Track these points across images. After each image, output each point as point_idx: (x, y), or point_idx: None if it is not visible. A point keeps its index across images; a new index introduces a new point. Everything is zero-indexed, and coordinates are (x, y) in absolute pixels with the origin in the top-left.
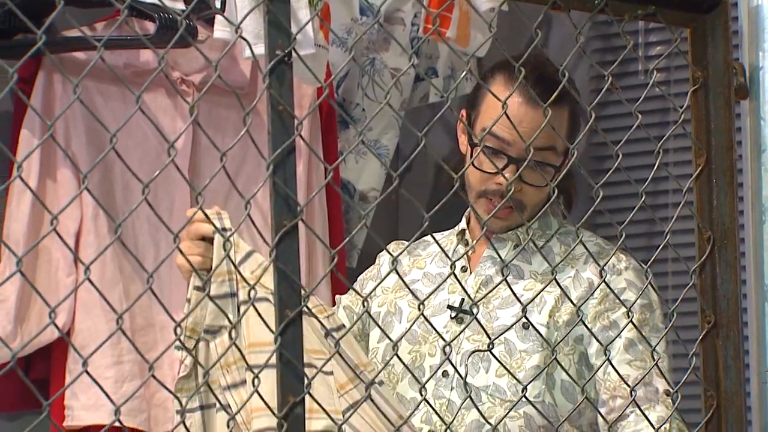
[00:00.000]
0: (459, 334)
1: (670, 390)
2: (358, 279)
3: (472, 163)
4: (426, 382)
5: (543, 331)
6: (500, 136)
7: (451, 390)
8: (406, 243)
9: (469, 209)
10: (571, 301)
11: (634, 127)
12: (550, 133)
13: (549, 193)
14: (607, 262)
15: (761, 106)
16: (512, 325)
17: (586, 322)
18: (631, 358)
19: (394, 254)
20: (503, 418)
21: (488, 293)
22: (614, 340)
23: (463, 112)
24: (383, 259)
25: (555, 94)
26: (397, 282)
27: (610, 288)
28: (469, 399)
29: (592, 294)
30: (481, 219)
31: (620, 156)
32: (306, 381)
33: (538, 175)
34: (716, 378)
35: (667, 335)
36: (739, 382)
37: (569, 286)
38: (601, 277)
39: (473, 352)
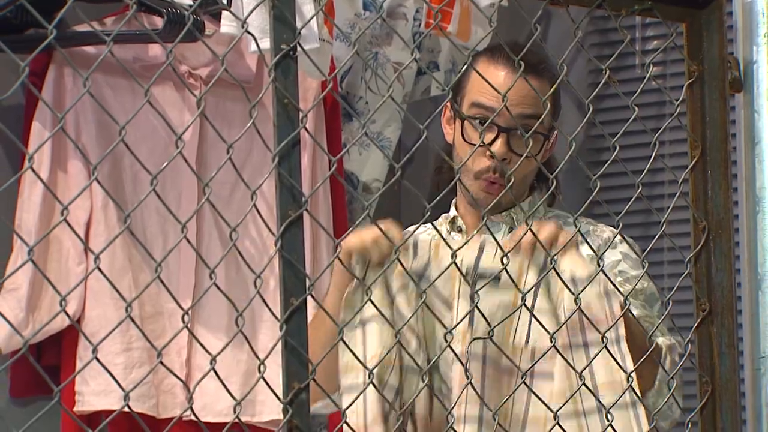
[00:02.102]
0: (462, 319)
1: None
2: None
3: (464, 139)
4: (429, 367)
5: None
6: (488, 106)
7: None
8: None
9: (455, 199)
10: (569, 290)
11: (631, 119)
12: (535, 101)
13: (536, 171)
14: (606, 246)
15: (755, 99)
16: (515, 311)
17: None
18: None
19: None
20: (511, 393)
21: (490, 280)
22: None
23: (447, 104)
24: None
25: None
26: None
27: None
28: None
29: (593, 278)
30: (475, 202)
31: (617, 148)
32: (310, 368)
33: (522, 143)
34: (711, 365)
35: (663, 320)
36: (734, 369)
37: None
38: (596, 253)
39: (474, 339)
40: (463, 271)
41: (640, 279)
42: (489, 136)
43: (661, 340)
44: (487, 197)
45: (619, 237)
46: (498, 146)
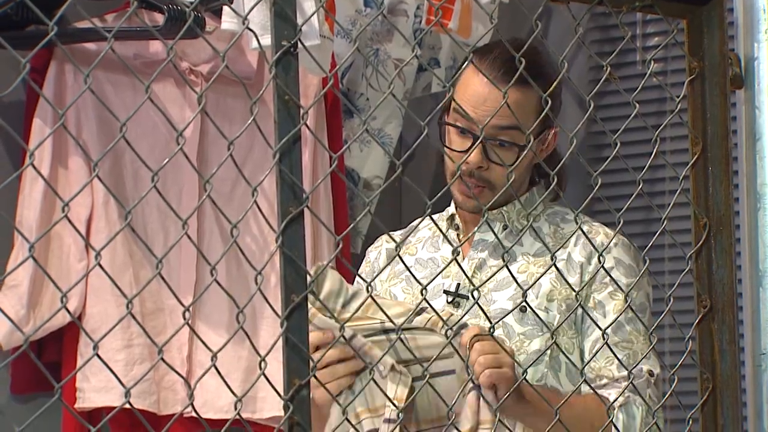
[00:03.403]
0: (460, 319)
1: (653, 371)
2: (356, 283)
3: (444, 143)
4: (429, 365)
5: (542, 315)
6: (464, 114)
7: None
8: (395, 235)
9: None
10: (571, 286)
11: (632, 116)
12: (515, 112)
13: (530, 173)
14: (601, 249)
15: (756, 95)
16: (512, 311)
17: (572, 300)
18: (618, 340)
19: (388, 247)
20: (506, 395)
21: (487, 280)
22: (613, 321)
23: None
24: (373, 255)
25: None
26: (390, 272)
27: (607, 270)
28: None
29: (588, 281)
30: (457, 201)
31: (618, 144)
32: (311, 364)
33: (504, 153)
34: (712, 361)
35: (662, 319)
36: (735, 366)
37: (564, 269)
38: (590, 258)
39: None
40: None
41: (631, 288)
42: (466, 143)
43: (618, 401)
44: (465, 200)
45: (614, 240)
46: (473, 155)
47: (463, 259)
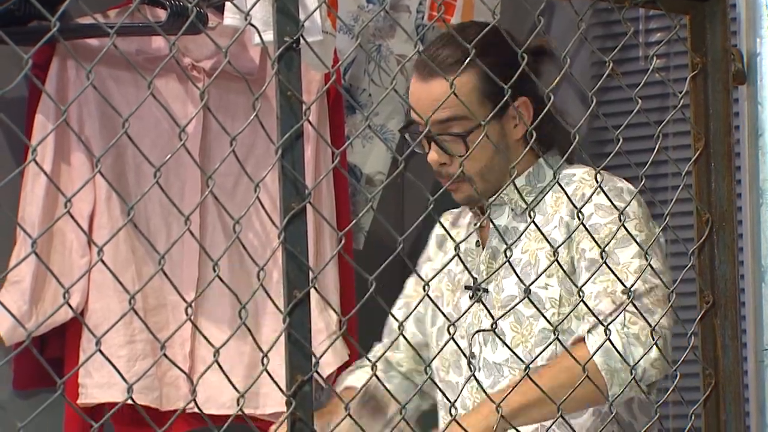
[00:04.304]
0: (464, 314)
1: (639, 288)
2: (419, 264)
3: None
4: (431, 362)
5: (543, 293)
6: (412, 119)
7: (478, 370)
8: (455, 212)
9: None
10: (561, 265)
11: (635, 112)
12: (450, 102)
13: (525, 148)
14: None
15: (759, 91)
16: (518, 302)
17: (568, 263)
18: (594, 276)
19: (437, 233)
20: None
21: (495, 272)
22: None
23: None
24: (432, 241)
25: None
26: (440, 263)
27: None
28: (491, 377)
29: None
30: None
31: (621, 140)
32: (314, 360)
33: (457, 145)
34: (714, 357)
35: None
36: (737, 361)
37: (556, 238)
38: (572, 212)
39: (477, 332)
40: None
41: (612, 224)
42: (426, 146)
43: (592, 341)
44: (455, 195)
45: (595, 189)
46: (431, 154)
47: (484, 247)
